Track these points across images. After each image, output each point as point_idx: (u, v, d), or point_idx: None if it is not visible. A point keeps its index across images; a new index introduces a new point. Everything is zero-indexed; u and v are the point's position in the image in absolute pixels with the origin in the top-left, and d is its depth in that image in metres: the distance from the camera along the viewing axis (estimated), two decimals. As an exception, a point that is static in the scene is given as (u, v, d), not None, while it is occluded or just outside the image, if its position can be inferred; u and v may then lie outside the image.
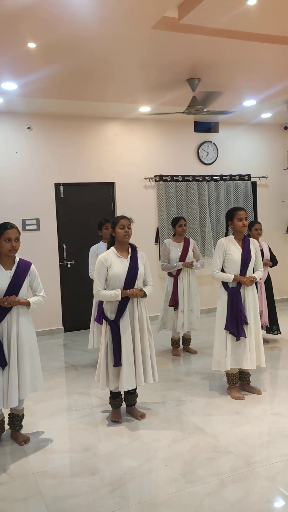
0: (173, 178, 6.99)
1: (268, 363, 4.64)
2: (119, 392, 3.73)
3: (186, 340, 5.53)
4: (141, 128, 6.88)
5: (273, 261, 5.47)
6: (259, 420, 3.63)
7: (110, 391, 3.70)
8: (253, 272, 4.03)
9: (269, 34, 3.83)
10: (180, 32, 3.63)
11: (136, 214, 6.53)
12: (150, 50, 3.99)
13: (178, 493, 2.74)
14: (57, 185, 6.50)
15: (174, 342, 5.48)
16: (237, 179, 7.43)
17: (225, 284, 4.00)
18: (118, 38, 3.69)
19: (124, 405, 3.86)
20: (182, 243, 5.30)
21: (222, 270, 4.01)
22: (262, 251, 5.24)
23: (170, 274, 5.34)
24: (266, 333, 5.57)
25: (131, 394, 3.78)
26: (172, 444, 3.32)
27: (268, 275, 5.50)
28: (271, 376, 4.57)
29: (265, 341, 5.47)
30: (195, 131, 7.20)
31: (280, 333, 5.61)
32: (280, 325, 5.67)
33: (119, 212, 6.67)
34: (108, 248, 3.67)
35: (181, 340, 5.56)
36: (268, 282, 5.45)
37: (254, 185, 7.67)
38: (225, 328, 3.93)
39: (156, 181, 6.95)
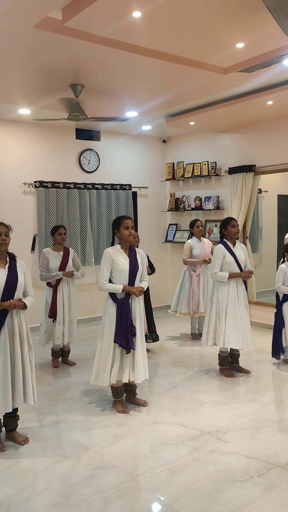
0: (54, 184, 6.79)
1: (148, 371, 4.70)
2: None
3: (65, 352, 5.37)
4: (20, 131, 6.57)
5: (151, 269, 5.59)
6: (141, 430, 3.63)
7: None
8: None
9: (152, 49, 3.91)
10: (63, 35, 3.51)
11: (13, 221, 6.17)
12: (31, 49, 3.80)
13: (61, 518, 2.60)
14: None
15: (55, 353, 5.29)
16: (118, 188, 7.50)
17: (113, 296, 3.92)
18: (-4, 33, 3.45)
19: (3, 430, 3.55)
20: (61, 252, 5.15)
21: (110, 281, 3.94)
22: None
23: (49, 284, 5.15)
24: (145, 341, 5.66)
25: (12, 417, 3.48)
26: (53, 466, 3.14)
27: (146, 284, 5.61)
28: (151, 384, 4.64)
29: (147, 350, 5.56)
30: (76, 138, 7.10)
31: (158, 340, 5.74)
32: (158, 333, 5.80)
33: (-5, 218, 6.27)
34: None
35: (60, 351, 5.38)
36: (146, 291, 5.55)
37: (134, 194, 7.82)
38: (114, 341, 3.83)
39: (36, 187, 6.68)
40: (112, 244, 4.04)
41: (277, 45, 3.83)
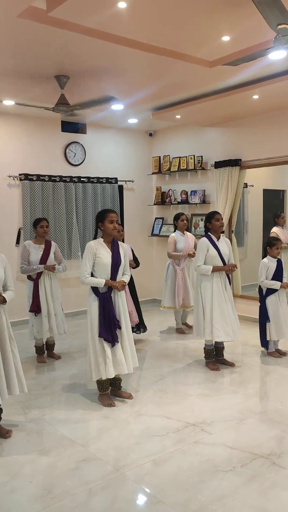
0: (39, 177, 6.74)
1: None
2: None
3: (50, 345, 5.34)
4: (5, 123, 6.49)
5: (136, 262, 5.59)
6: (126, 423, 3.65)
7: None
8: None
9: (137, 40, 3.88)
10: (48, 25, 3.47)
11: (-2, 214, 6.13)
12: (14, 39, 3.75)
13: (44, 510, 2.59)
14: None
15: (39, 349, 5.25)
16: (104, 181, 7.46)
17: (95, 290, 3.91)
18: (-21, 22, 3.39)
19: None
20: (43, 245, 5.10)
21: (92, 275, 3.92)
22: None
23: (30, 277, 5.10)
24: (132, 333, 5.66)
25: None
26: (37, 458, 3.14)
27: (131, 276, 5.61)
28: (137, 377, 4.65)
29: (135, 341, 5.56)
30: (62, 131, 7.04)
31: (145, 331, 5.75)
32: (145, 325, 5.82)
33: (-21, 211, 6.21)
34: None
35: (44, 346, 5.35)
36: (131, 283, 5.55)
37: (120, 188, 7.79)
38: (99, 336, 3.82)
39: (21, 179, 6.62)
40: (95, 237, 4.02)
41: (263, 39, 3.83)
